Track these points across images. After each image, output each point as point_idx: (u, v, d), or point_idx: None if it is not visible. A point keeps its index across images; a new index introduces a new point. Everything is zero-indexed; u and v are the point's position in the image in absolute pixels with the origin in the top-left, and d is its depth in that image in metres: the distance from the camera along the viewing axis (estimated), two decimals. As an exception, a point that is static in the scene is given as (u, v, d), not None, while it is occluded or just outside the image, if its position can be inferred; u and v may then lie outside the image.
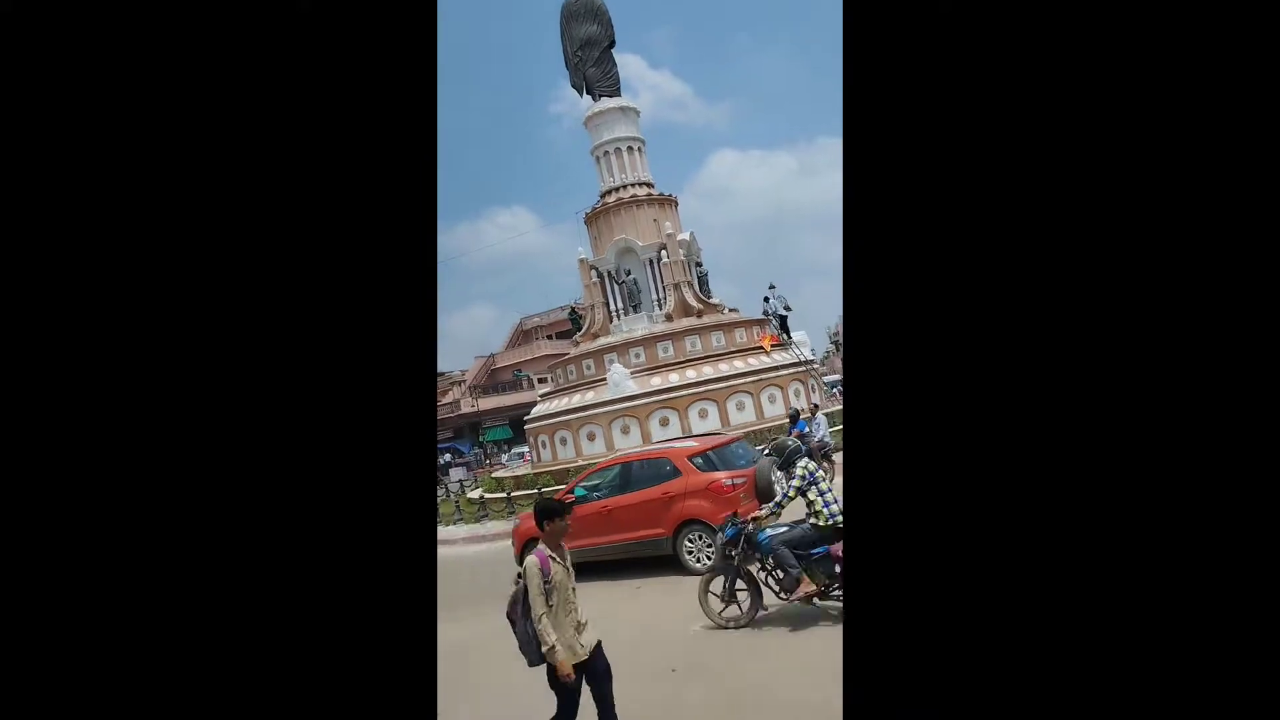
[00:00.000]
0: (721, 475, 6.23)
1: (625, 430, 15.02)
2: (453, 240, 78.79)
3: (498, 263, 79.91)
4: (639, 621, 4.90)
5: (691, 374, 15.19)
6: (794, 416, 10.11)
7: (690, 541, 6.27)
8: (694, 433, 13.40)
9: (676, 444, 7.10)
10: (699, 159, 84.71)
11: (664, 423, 14.82)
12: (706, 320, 16.49)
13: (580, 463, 14.86)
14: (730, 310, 17.34)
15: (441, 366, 43.03)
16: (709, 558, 6.04)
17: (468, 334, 70.78)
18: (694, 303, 16.79)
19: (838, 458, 9.65)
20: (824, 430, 9.39)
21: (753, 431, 13.86)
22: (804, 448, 4.80)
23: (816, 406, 10.51)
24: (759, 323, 16.98)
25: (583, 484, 7.13)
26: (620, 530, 6.67)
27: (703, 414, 14.79)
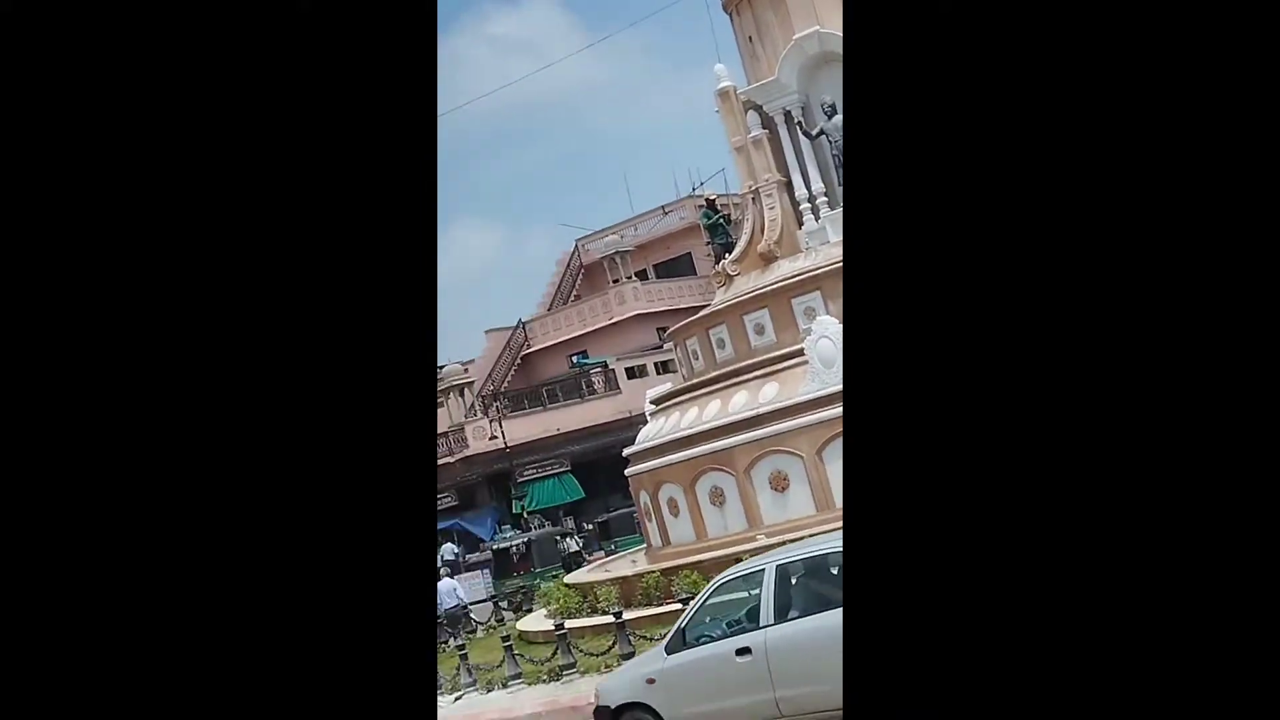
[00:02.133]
0: None
1: None
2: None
3: (504, 123, 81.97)
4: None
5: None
6: None
7: None
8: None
9: None
10: None
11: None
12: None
13: (763, 540, 14.67)
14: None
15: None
16: None
17: (463, 281, 73.00)
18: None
19: None
20: None
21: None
22: None
23: None
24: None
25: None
26: None
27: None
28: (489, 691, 13.91)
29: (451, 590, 20.87)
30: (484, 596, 22.82)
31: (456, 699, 14.04)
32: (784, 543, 14.12)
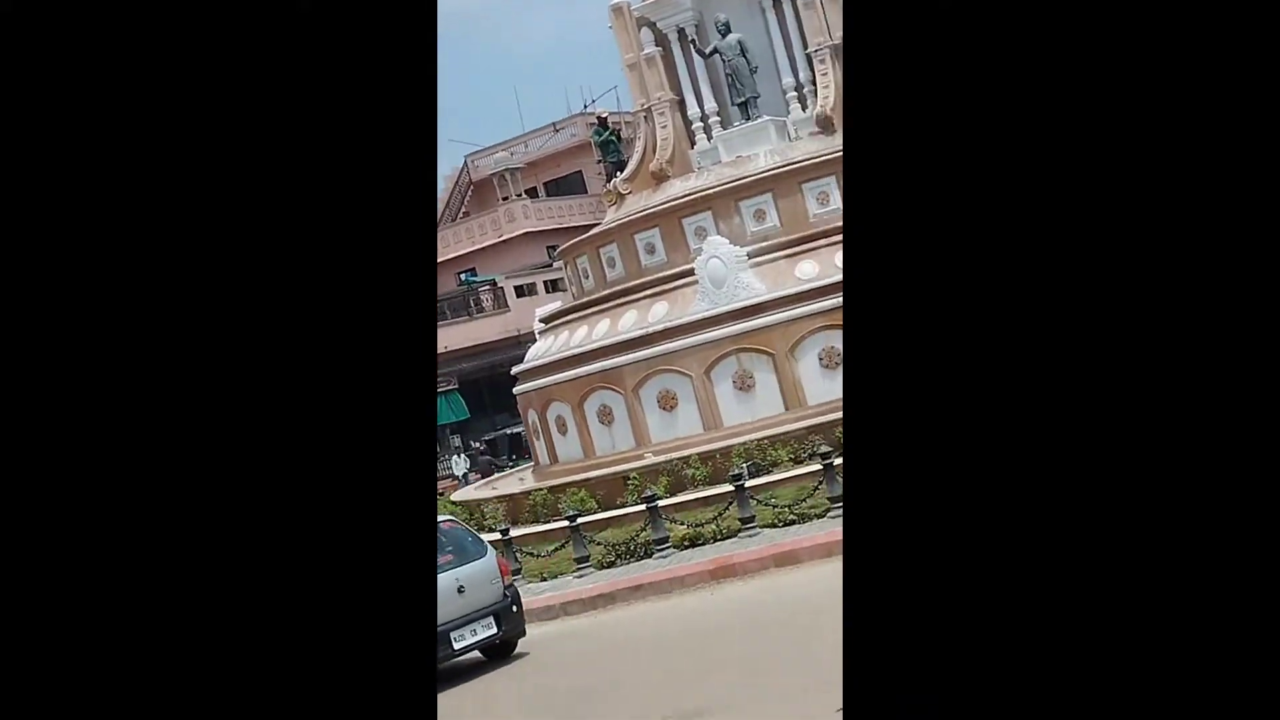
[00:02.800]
0: None
1: (745, 384, 14.99)
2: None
3: None
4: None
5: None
6: None
7: None
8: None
9: None
10: None
11: (830, 360, 14.46)
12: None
13: (650, 458, 14.75)
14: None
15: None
16: None
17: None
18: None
19: None
20: None
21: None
22: None
23: None
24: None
25: None
26: None
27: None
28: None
29: None
30: None
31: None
32: (670, 461, 14.29)
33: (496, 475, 23.51)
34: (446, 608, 9.48)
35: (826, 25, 16.64)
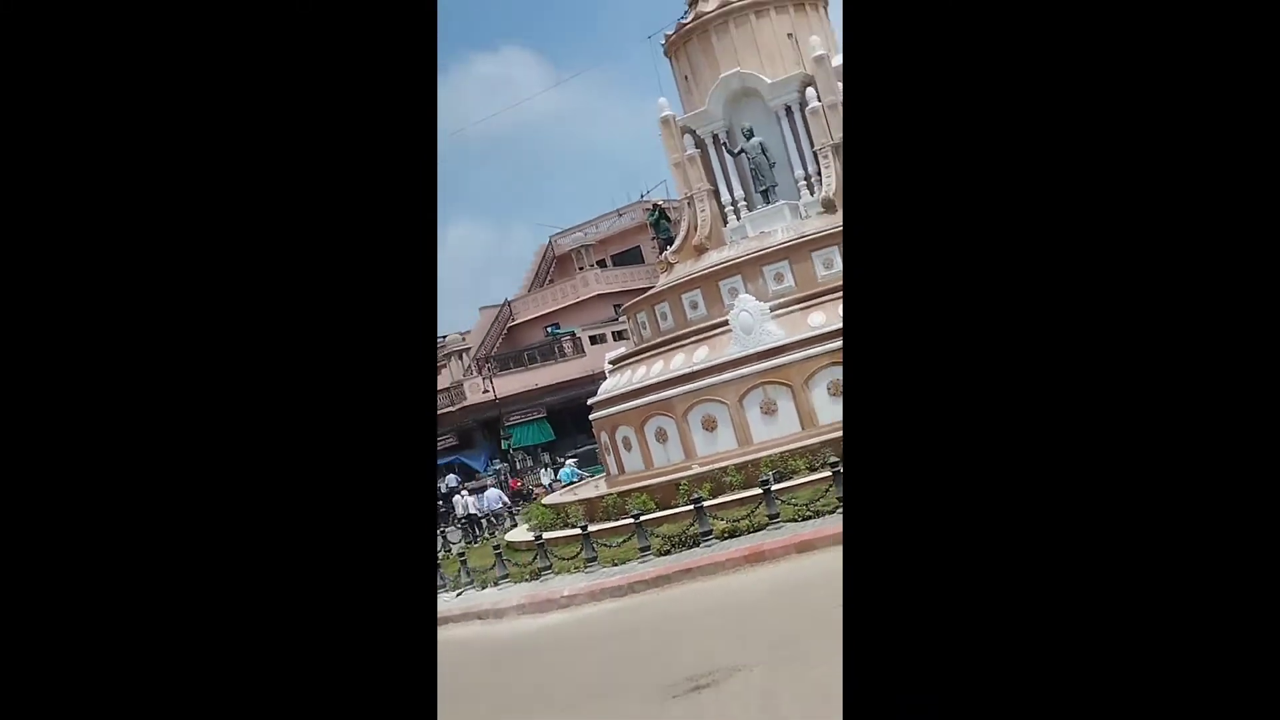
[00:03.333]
0: None
1: (770, 409, 15.38)
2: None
3: (491, 144, 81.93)
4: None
5: (880, 302, 15.20)
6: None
7: None
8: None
9: None
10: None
11: (836, 390, 14.72)
12: (897, 205, 16.46)
13: (696, 469, 15.04)
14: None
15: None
16: None
17: (461, 269, 72.91)
18: (872, 175, 16.87)
19: None
20: None
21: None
22: None
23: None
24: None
25: None
26: None
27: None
28: (483, 589, 14.29)
29: (498, 497, 22.94)
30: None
31: (458, 594, 14.37)
32: (712, 471, 14.54)
33: (572, 485, 23.92)
34: None
35: (829, 129, 17.09)
